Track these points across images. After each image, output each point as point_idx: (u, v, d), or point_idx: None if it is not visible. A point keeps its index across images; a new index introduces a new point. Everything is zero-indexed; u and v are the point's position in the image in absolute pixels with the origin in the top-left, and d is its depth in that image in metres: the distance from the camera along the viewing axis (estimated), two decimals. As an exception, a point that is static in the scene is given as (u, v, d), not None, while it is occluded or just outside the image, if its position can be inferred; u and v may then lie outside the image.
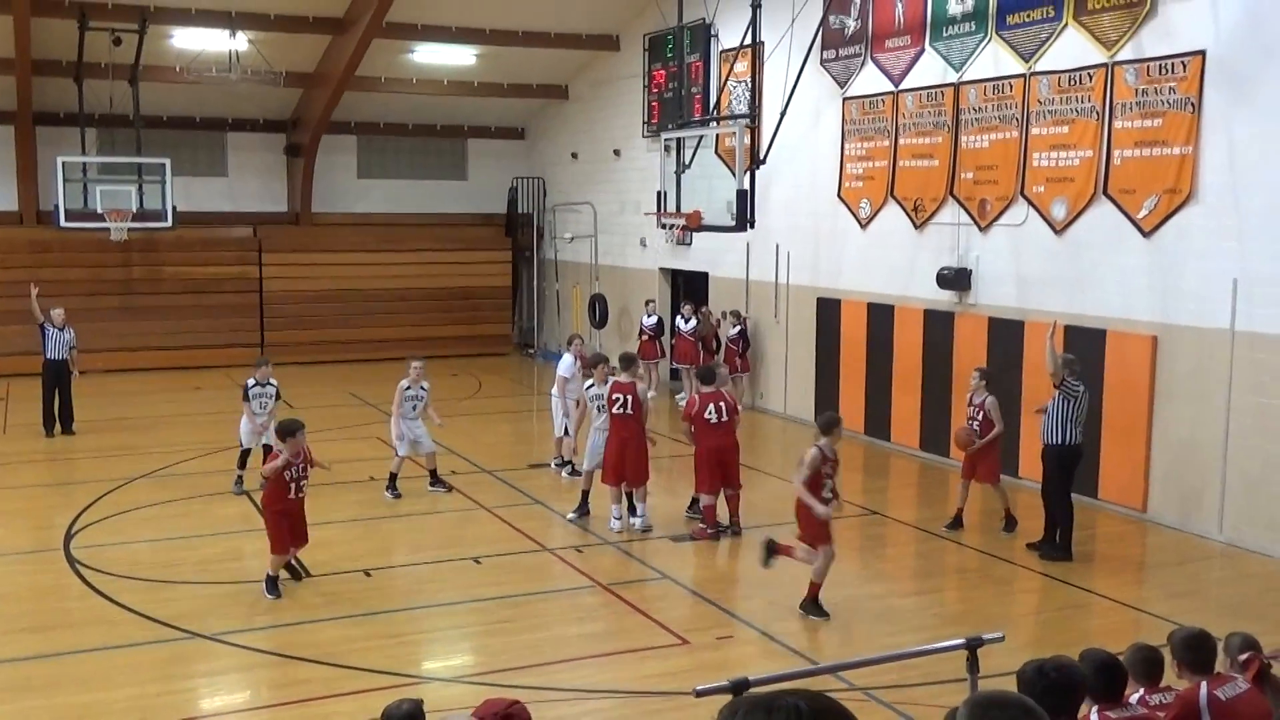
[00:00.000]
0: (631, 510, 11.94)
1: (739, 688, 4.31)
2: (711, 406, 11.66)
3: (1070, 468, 11.10)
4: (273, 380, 13.44)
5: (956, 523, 11.99)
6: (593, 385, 12.44)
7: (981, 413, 11.77)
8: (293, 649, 8.67)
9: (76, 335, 16.94)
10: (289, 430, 9.88)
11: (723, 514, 11.93)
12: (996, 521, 11.93)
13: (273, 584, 9.81)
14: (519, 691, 7.76)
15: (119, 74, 20.79)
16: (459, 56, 22.72)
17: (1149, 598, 10.14)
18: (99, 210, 20.84)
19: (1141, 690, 5.15)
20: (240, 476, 13.27)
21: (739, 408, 12.32)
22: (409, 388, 13.18)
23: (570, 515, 12.33)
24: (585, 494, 12.35)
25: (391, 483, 13.19)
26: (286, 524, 9.87)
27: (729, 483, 11.86)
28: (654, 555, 11.20)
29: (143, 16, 19.61)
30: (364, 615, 9.44)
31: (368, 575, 10.44)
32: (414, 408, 13.23)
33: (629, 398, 11.68)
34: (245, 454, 13.32)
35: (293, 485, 9.81)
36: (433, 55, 22.48)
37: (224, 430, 15.44)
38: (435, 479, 13.52)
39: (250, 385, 13.28)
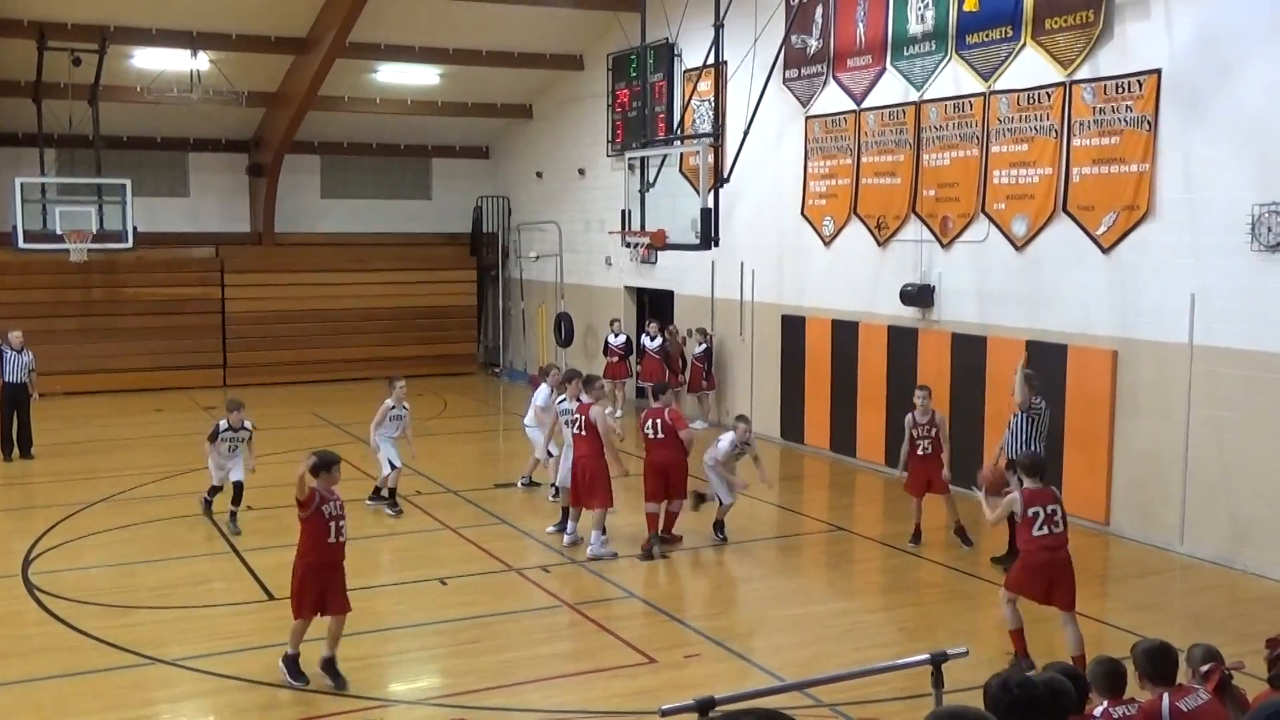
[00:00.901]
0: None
1: (705, 707, 4.30)
2: (650, 422, 11.84)
3: (1034, 482, 11.17)
4: (247, 424, 12.62)
5: (916, 537, 12.08)
6: (564, 400, 12.52)
7: (934, 429, 11.94)
8: (256, 674, 8.56)
9: (36, 358, 16.72)
10: (325, 464, 8.34)
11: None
12: (952, 534, 11.97)
13: (294, 665, 8.34)
14: (486, 713, 7.73)
15: (78, 94, 20.58)
16: (423, 76, 22.70)
17: (1111, 610, 10.22)
18: (58, 231, 20.60)
19: (1105, 703, 5.20)
20: (209, 501, 13.03)
21: (699, 421, 12.36)
22: (394, 407, 13.23)
23: (550, 529, 12.48)
24: (566, 510, 12.35)
25: (390, 497, 13.31)
26: (319, 579, 8.26)
27: (672, 496, 11.93)
28: (621, 574, 11.17)
29: (103, 36, 19.46)
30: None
31: (332, 598, 10.34)
32: (396, 428, 13.31)
33: (583, 419, 11.71)
34: (215, 490, 12.93)
35: (333, 525, 8.23)
36: (396, 75, 22.45)
37: (185, 453, 15.30)
38: (376, 494, 13.54)
39: (222, 429, 12.53)
